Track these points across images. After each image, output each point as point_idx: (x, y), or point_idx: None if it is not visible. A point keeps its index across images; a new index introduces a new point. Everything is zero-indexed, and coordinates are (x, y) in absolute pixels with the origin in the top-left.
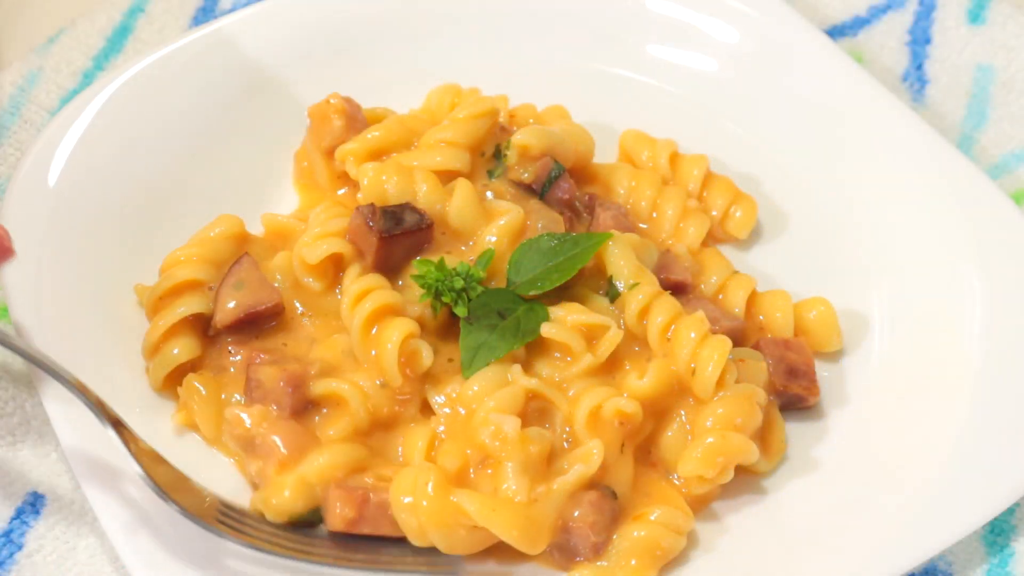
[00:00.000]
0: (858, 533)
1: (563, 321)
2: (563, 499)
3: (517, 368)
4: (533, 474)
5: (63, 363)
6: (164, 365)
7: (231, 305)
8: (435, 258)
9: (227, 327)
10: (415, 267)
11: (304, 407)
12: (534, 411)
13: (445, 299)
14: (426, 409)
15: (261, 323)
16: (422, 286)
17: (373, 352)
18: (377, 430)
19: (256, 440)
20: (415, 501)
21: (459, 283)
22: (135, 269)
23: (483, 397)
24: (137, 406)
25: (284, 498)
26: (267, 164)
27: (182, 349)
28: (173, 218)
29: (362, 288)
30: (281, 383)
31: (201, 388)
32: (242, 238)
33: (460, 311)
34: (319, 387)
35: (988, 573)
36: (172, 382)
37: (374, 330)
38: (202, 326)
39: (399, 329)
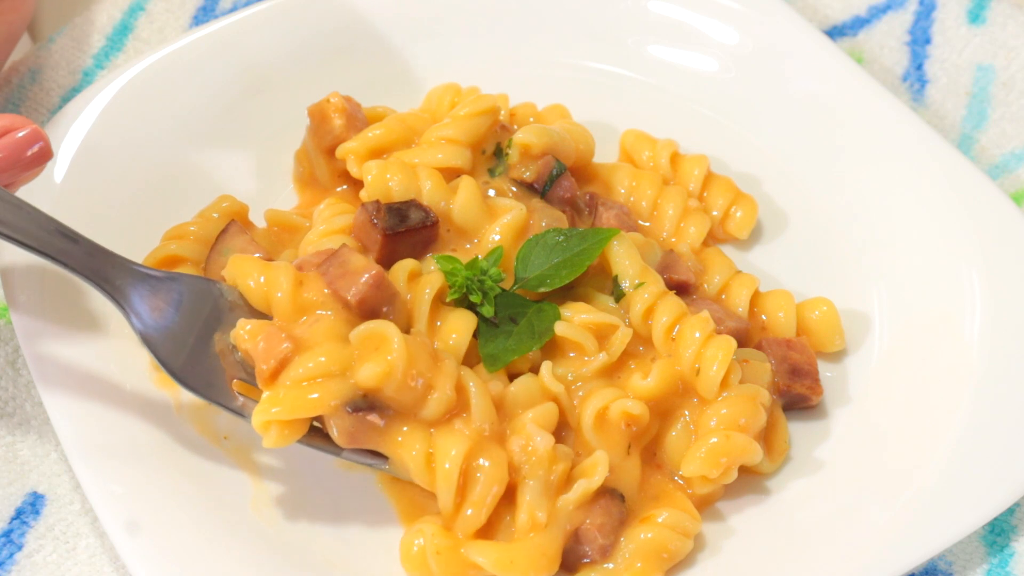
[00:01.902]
0: (860, 533)
1: (572, 321)
2: (570, 514)
3: (548, 365)
4: (553, 493)
5: (64, 361)
6: None
7: (223, 272)
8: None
9: None
10: (437, 263)
11: (368, 313)
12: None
13: (474, 299)
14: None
15: None
16: (451, 285)
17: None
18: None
19: (250, 353)
20: (425, 560)
21: (487, 282)
22: None
23: (520, 405)
24: (139, 403)
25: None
26: (267, 164)
27: None
28: (174, 217)
29: (413, 267)
30: (367, 275)
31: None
32: (241, 217)
33: (487, 311)
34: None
35: (988, 573)
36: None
37: None
38: None
39: (465, 319)
